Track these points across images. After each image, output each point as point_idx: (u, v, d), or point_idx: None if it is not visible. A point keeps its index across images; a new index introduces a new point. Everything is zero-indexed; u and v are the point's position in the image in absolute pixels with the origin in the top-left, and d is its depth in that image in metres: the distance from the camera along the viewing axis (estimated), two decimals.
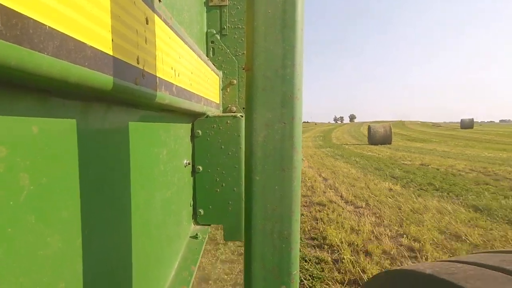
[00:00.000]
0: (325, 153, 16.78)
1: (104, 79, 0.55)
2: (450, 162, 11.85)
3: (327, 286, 3.35)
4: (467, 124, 46.59)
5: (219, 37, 2.11)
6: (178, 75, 1.04)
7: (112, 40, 0.58)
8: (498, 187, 7.47)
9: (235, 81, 2.14)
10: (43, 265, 0.51)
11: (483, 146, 18.86)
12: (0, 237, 0.42)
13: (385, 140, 20.29)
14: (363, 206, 6.19)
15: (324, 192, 7.35)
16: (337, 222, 5.20)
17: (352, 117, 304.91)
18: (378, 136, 20.48)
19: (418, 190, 7.46)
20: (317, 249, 4.28)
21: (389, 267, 4.02)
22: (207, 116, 1.68)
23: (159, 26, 0.85)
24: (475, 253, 1.12)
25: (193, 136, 1.67)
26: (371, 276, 1.16)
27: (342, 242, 4.38)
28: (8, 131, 0.43)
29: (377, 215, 5.66)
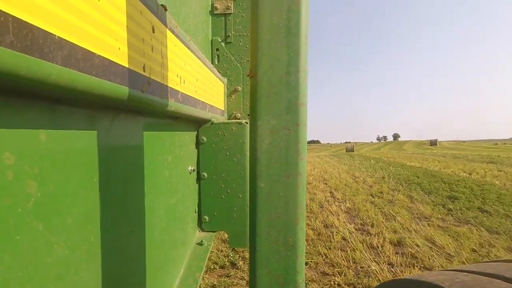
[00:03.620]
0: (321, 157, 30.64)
1: (111, 87, 0.56)
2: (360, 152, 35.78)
3: None
4: (433, 143, 73.03)
5: (224, 45, 2.13)
6: (184, 82, 1.05)
7: (119, 48, 0.59)
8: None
9: (239, 88, 2.15)
10: (50, 272, 0.51)
11: (398, 154, 29.83)
12: (9, 243, 0.42)
13: (351, 149, 45.88)
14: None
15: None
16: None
17: (395, 136, 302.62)
18: (348, 148, 47.29)
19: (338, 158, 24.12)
20: None
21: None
22: (212, 123, 1.68)
23: (165, 35, 0.86)
24: (488, 262, 1.10)
25: (198, 143, 1.68)
26: (378, 284, 1.14)
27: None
28: (17, 139, 0.44)
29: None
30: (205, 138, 1.68)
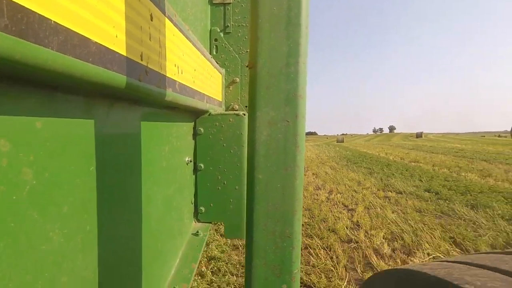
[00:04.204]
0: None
1: (107, 75, 0.55)
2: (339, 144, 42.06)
3: None
4: (418, 135, 79.75)
5: (222, 35, 2.10)
6: (181, 72, 1.04)
7: (117, 36, 0.58)
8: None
9: (238, 79, 2.13)
10: (45, 260, 0.51)
11: (363, 144, 39.57)
12: (3, 232, 0.42)
13: (341, 141, 54.06)
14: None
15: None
16: None
17: (391, 128, 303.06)
18: (339, 140, 55.46)
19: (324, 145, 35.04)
20: None
21: None
22: (210, 114, 1.67)
23: (163, 23, 0.85)
24: (478, 253, 1.12)
25: (195, 134, 1.67)
26: (368, 276, 1.16)
27: None
28: (12, 126, 0.43)
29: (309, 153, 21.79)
30: (202, 129, 1.67)
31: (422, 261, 3.70)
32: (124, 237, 0.82)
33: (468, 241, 4.29)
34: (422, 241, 4.31)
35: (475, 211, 5.61)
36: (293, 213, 0.64)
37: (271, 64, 0.63)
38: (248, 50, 0.67)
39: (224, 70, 2.08)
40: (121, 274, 0.81)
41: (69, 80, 0.48)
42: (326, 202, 6.71)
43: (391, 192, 7.47)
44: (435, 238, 4.40)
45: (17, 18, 0.34)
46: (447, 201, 6.36)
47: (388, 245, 4.26)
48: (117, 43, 0.58)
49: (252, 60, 0.65)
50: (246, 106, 2.13)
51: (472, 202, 6.19)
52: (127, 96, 0.75)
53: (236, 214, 1.73)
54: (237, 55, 2.11)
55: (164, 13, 0.84)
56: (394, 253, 4.04)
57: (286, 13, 0.62)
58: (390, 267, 3.86)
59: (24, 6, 0.35)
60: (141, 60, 0.70)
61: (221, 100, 1.98)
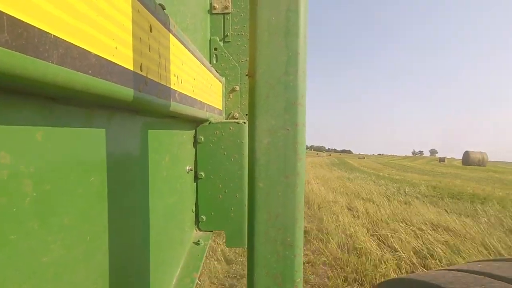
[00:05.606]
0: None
1: (108, 86, 0.56)
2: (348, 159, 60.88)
3: None
4: (441, 159, 75.61)
5: (222, 44, 2.12)
6: (181, 82, 1.04)
7: (116, 48, 0.59)
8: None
9: (237, 88, 2.14)
10: (46, 271, 0.51)
11: (362, 161, 51.92)
12: (3, 243, 0.42)
13: (362, 158, 58.29)
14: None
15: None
16: None
17: (433, 152, 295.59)
18: (359, 157, 65.86)
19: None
20: None
21: None
22: (210, 123, 1.68)
23: (163, 34, 0.86)
24: (483, 261, 1.11)
25: (195, 142, 1.67)
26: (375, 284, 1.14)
27: None
28: (13, 138, 0.44)
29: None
30: (202, 138, 1.67)
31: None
32: (125, 247, 0.81)
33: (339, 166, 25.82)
34: (321, 171, 20.49)
35: (349, 170, 21.78)
36: (295, 221, 0.63)
37: (270, 73, 0.63)
38: (248, 59, 0.68)
39: (224, 78, 2.09)
40: (123, 284, 0.80)
41: (70, 92, 0.48)
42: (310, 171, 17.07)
43: (331, 170, 19.60)
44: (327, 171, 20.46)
45: (17, 33, 0.34)
46: (343, 170, 21.51)
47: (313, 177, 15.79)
48: (117, 55, 0.59)
49: (251, 69, 0.65)
50: (246, 114, 2.13)
51: (349, 168, 24.06)
52: (127, 107, 0.76)
53: (237, 223, 1.72)
54: (236, 64, 2.12)
55: (163, 24, 0.85)
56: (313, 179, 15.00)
57: (284, 23, 0.63)
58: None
59: (24, 21, 0.35)
60: (141, 71, 0.70)
61: (221, 109, 1.98)
